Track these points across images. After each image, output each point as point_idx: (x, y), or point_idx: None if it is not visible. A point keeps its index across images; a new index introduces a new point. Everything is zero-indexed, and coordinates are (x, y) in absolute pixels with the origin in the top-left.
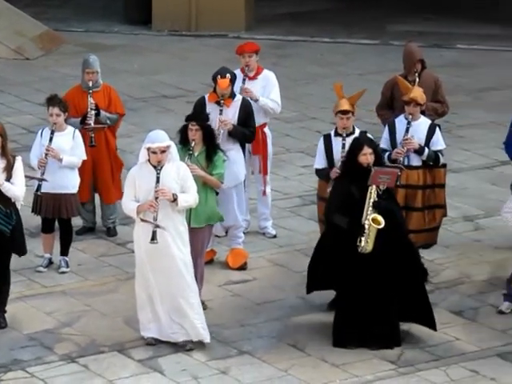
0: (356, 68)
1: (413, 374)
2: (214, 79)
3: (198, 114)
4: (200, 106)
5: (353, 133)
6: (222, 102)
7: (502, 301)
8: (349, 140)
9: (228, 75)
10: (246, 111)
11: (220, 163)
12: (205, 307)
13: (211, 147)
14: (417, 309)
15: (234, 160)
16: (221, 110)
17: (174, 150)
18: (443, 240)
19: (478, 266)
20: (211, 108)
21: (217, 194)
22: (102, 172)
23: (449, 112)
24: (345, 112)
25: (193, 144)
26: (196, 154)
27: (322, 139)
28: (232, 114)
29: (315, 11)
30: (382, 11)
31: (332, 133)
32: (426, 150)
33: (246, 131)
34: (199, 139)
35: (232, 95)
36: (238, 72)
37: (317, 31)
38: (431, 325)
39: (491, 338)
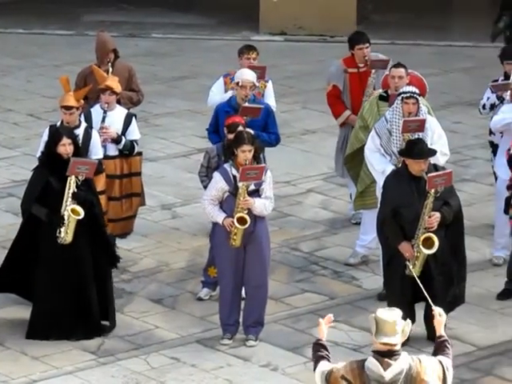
0: (52, 59)
1: (113, 363)
2: None
3: None
4: None
5: (78, 126)
6: None
7: (200, 288)
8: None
9: None
10: None
11: None
12: None
13: None
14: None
15: None
16: None
17: None
18: (141, 229)
19: (177, 253)
20: None
21: None
22: None
23: (144, 101)
24: (68, 108)
25: None
26: None
27: (47, 130)
28: None
29: (9, 2)
30: (76, 1)
31: (58, 124)
32: (123, 139)
33: None
34: None
35: None
36: None
37: (11, 22)
38: (110, 320)
39: (190, 324)
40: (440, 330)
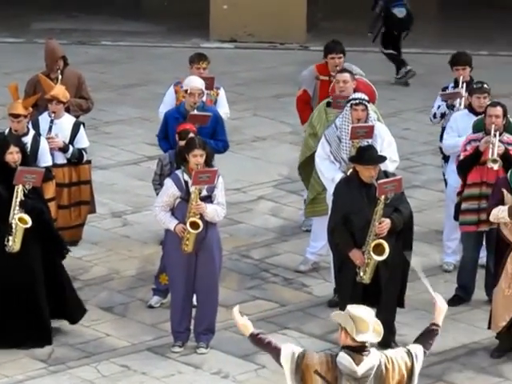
0: (1, 67)
1: (64, 371)
2: None
3: None
4: None
5: (26, 134)
6: None
7: (151, 295)
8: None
9: None
10: None
11: None
12: None
13: None
14: (65, 303)
15: None
16: None
17: None
18: (91, 237)
19: (127, 261)
20: None
21: None
22: None
23: (94, 108)
24: (16, 115)
25: None
26: None
27: None
28: None
29: None
30: (25, 8)
31: (6, 131)
32: (71, 148)
33: None
34: None
35: None
36: None
37: None
38: (72, 318)
39: (141, 332)
40: (438, 319)
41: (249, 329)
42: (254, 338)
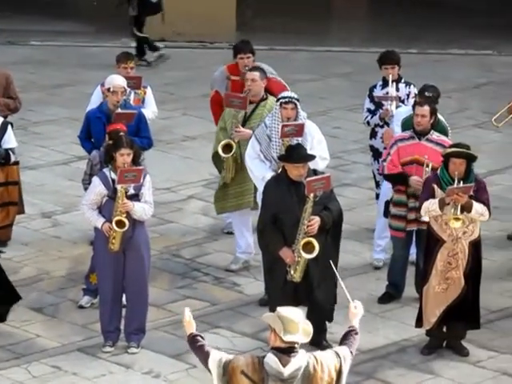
0: None
1: None
2: None
3: None
4: None
5: None
6: None
7: (81, 295)
8: None
9: None
10: None
11: None
12: None
13: None
14: None
15: None
16: None
17: None
18: (21, 237)
19: (57, 261)
20: None
21: None
22: None
23: (23, 109)
24: None
25: None
26: None
27: None
28: None
29: None
30: None
31: None
32: None
33: None
34: None
35: None
36: None
37: None
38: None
39: (72, 332)
40: (353, 322)
41: (191, 329)
42: (191, 339)
